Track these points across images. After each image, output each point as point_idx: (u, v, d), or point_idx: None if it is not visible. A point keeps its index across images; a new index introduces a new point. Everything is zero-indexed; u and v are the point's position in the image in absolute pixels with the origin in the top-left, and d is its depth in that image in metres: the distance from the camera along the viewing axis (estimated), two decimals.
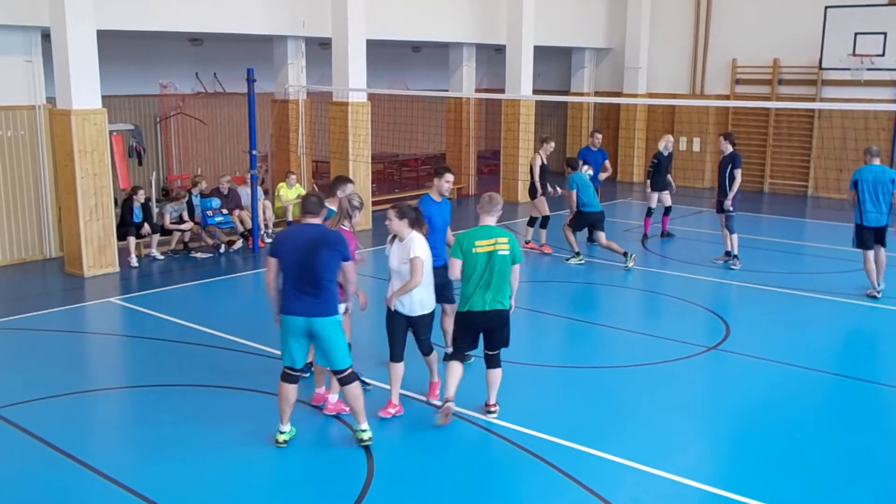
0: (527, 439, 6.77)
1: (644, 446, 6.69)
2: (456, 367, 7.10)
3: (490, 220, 7.10)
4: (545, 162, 13.50)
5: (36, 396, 7.54)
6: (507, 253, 6.94)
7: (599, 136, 14.20)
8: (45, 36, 12.09)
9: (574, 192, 12.56)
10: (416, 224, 6.90)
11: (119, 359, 9.12)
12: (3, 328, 9.54)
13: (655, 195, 14.23)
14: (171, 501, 5.78)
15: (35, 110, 12.50)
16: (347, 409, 7.15)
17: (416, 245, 6.80)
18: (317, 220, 6.50)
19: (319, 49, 16.67)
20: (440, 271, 7.40)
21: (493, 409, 7.27)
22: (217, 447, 6.66)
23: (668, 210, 14.55)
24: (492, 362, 7.22)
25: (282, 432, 6.66)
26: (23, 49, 12.30)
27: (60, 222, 12.48)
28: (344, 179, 7.93)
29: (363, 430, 6.61)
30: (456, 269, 6.96)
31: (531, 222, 13.57)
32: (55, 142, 12.07)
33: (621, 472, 6.30)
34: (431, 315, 7.17)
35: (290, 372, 6.56)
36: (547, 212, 13.39)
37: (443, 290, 7.79)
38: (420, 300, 6.98)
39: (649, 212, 14.44)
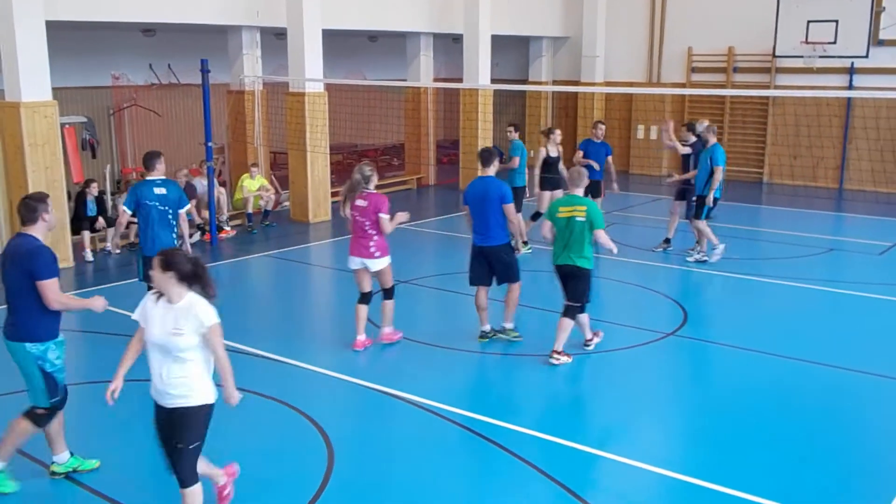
0: (487, 428, 6.79)
1: (603, 433, 6.77)
2: (567, 323, 8.13)
3: (577, 191, 8.14)
4: (553, 154, 12.68)
5: None
6: (583, 219, 7.90)
7: (603, 127, 13.28)
8: None
9: (516, 158, 12.55)
10: (193, 279, 4.93)
11: (74, 355, 8.94)
12: None
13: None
14: (127, 497, 5.71)
15: None
16: (399, 336, 8.64)
17: (204, 308, 4.92)
18: (30, 230, 5.65)
19: (275, 39, 16.51)
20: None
21: (557, 357, 8.13)
22: None
23: None
24: (565, 311, 8.17)
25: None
26: None
27: (11, 217, 12.21)
28: (155, 154, 8.64)
29: (54, 462, 6.02)
30: (545, 229, 8.24)
31: (535, 217, 12.86)
32: (4, 135, 11.79)
33: (582, 459, 6.35)
34: (209, 411, 5.02)
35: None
36: (544, 209, 12.72)
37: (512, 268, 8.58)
38: (199, 386, 4.94)
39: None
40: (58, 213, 11.62)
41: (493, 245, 8.47)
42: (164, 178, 8.56)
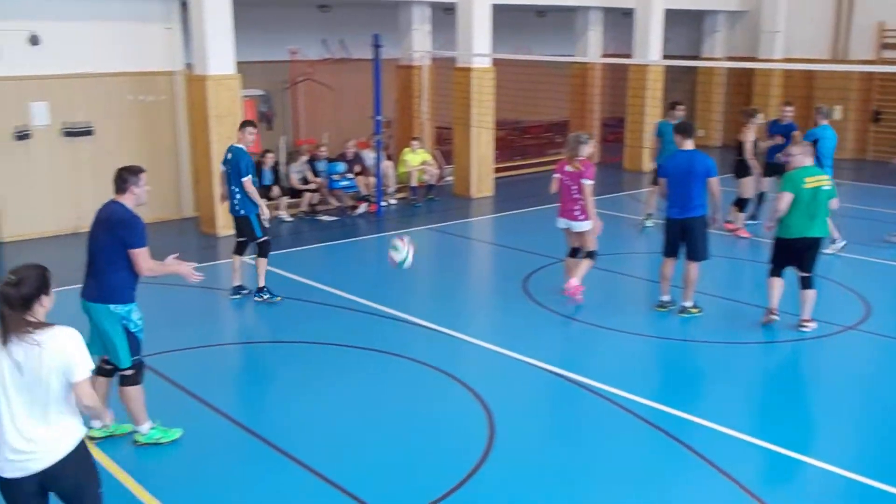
0: (656, 415, 6.61)
1: (780, 428, 6.45)
2: (778, 283, 8.35)
3: (809, 161, 8.21)
4: (756, 136, 12.35)
5: (176, 347, 7.90)
6: (829, 187, 8.08)
7: (790, 109, 12.67)
8: (184, 3, 12.51)
9: (659, 139, 12.24)
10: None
11: (248, 315, 9.43)
12: (148, 282, 9.96)
13: None
14: (298, 450, 5.95)
15: (173, 76, 13.00)
16: (581, 290, 8.94)
17: None
18: (120, 199, 5.74)
19: (444, 14, 16.62)
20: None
21: (806, 324, 8.30)
22: (340, 401, 6.83)
23: None
24: (806, 283, 8.28)
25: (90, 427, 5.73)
26: (162, 17, 12.79)
27: (197, 184, 12.97)
28: (244, 123, 9.35)
29: (136, 431, 6.08)
30: (784, 203, 8.04)
31: (739, 204, 12.38)
32: (192, 107, 12.51)
33: (758, 456, 6.07)
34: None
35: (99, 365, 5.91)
36: (751, 193, 12.40)
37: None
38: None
39: None
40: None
41: (692, 217, 8.53)
42: (239, 145, 9.23)
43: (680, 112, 12.50)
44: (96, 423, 5.86)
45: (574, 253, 9.17)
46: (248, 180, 9.13)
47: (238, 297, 9.47)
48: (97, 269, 5.74)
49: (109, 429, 6.09)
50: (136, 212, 5.79)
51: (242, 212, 9.26)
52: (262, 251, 9.35)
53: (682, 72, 21.29)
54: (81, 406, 3.89)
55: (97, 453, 5.90)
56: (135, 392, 5.94)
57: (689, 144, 8.60)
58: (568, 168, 8.81)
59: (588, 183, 8.71)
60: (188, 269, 6.00)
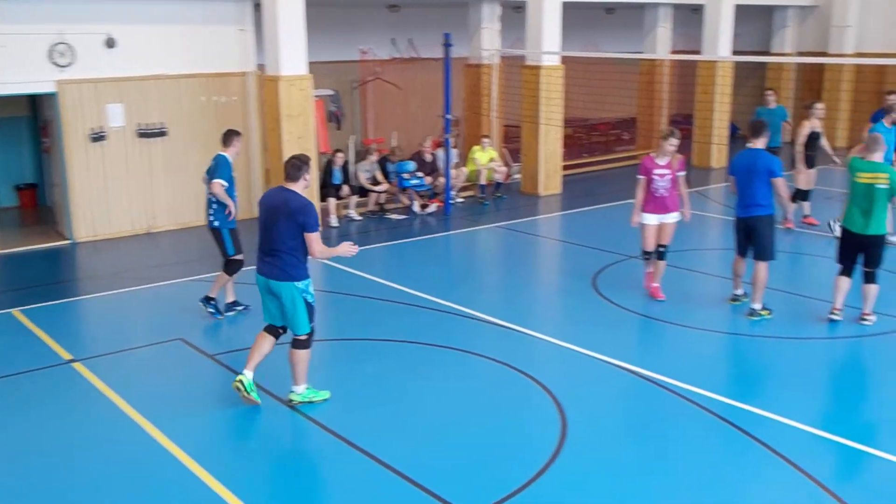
0: (729, 410, 6.56)
1: (855, 423, 6.35)
2: (843, 282, 8.30)
3: (876, 157, 8.13)
4: (817, 129, 12.13)
5: (246, 346, 8.06)
6: (885, 187, 7.96)
7: None
8: (257, 5, 12.74)
9: None
10: None
11: (322, 313, 9.55)
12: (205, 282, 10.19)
13: None
14: (371, 445, 6.05)
15: (246, 77, 13.26)
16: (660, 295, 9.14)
17: None
18: (292, 186, 6.37)
19: (513, 13, 16.64)
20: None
21: (867, 318, 8.30)
22: (411, 397, 6.92)
23: None
24: (868, 278, 8.27)
25: (242, 373, 6.68)
26: (236, 18, 13.04)
27: (267, 183, 13.21)
28: (226, 133, 8.68)
29: (293, 391, 6.68)
30: None
31: (796, 197, 12.20)
32: (265, 107, 12.74)
33: (833, 451, 6.01)
34: None
35: (268, 326, 6.72)
36: (808, 185, 12.35)
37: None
38: None
39: None
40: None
41: (756, 215, 8.44)
42: (221, 152, 8.58)
43: (770, 98, 13.04)
44: (298, 389, 6.62)
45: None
46: (216, 182, 8.40)
47: (233, 312, 8.92)
48: (279, 252, 6.36)
49: (305, 395, 6.68)
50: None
51: (216, 223, 8.57)
52: (229, 269, 8.74)
53: (752, 68, 20.96)
54: None
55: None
56: (305, 355, 6.59)
57: (756, 143, 8.49)
58: None
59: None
60: (346, 248, 6.56)
